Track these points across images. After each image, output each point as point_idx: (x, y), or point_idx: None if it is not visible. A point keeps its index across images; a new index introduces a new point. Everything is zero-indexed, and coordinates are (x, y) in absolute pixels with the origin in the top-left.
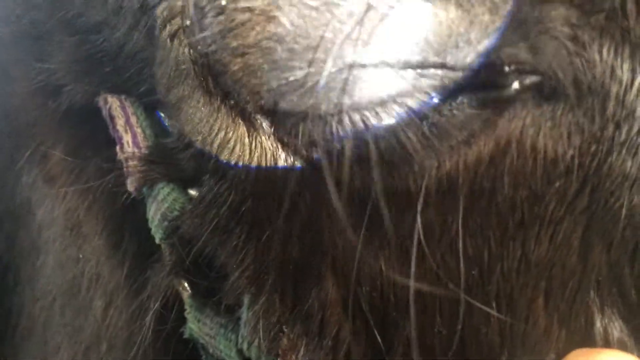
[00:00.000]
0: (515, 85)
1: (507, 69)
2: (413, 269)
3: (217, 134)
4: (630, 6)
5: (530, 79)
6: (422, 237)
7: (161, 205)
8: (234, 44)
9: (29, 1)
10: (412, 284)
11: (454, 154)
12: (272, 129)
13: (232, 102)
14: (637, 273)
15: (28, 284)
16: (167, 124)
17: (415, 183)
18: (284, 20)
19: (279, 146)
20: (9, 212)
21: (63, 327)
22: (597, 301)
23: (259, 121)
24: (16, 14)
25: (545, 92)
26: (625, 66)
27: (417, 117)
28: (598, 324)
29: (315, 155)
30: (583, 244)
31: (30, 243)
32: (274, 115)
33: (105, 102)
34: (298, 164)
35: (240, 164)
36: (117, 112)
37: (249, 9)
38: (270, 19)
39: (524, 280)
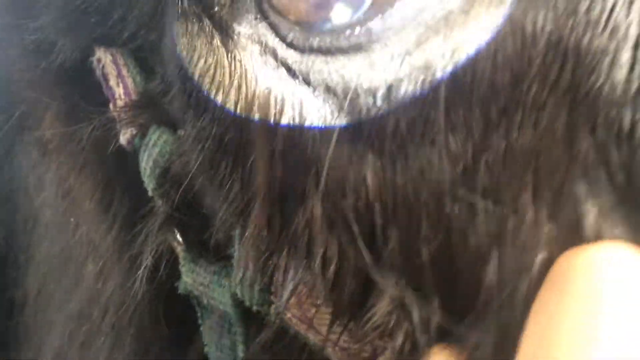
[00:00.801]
0: None
1: None
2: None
3: (196, 64)
4: None
5: None
6: (405, 134)
7: (152, 151)
8: None
9: None
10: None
11: (432, 34)
12: (249, 31)
13: (207, 18)
14: (624, 155)
15: (30, 273)
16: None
17: (396, 72)
18: None
19: (259, 59)
20: (7, 202)
21: (58, 297)
22: (586, 190)
23: (235, 31)
24: None
25: None
26: None
27: None
28: (588, 214)
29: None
30: (568, 129)
31: (29, 228)
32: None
33: (99, 61)
34: (276, 76)
35: (221, 91)
36: (110, 68)
37: None
38: None
39: (510, 172)
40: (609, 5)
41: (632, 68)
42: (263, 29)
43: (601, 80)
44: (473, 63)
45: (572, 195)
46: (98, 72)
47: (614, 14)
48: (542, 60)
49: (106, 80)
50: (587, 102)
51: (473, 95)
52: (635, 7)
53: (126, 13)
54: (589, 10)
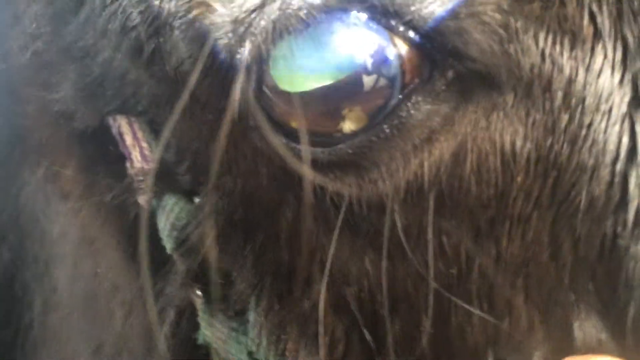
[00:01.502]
0: (450, 73)
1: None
2: (384, 267)
3: (205, 145)
4: None
5: (464, 65)
6: (402, 237)
7: (169, 215)
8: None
9: (32, 32)
10: (384, 285)
11: (418, 152)
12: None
13: (209, 113)
14: (607, 268)
15: (40, 296)
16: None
17: (384, 185)
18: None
19: (258, 156)
20: (13, 224)
21: (81, 336)
22: (574, 298)
23: (237, 128)
24: (20, 46)
25: (487, 81)
26: (566, 54)
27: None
28: (576, 322)
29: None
30: (552, 241)
31: (44, 257)
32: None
33: (115, 120)
34: (277, 172)
35: (229, 174)
36: (126, 129)
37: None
38: None
39: (502, 278)
40: (586, 121)
41: (611, 183)
42: (260, 136)
43: (580, 197)
44: (458, 178)
45: (561, 302)
46: (114, 130)
47: (592, 130)
48: (524, 178)
49: (122, 139)
50: (568, 217)
51: (461, 206)
52: (611, 120)
53: (137, 90)
54: (567, 126)
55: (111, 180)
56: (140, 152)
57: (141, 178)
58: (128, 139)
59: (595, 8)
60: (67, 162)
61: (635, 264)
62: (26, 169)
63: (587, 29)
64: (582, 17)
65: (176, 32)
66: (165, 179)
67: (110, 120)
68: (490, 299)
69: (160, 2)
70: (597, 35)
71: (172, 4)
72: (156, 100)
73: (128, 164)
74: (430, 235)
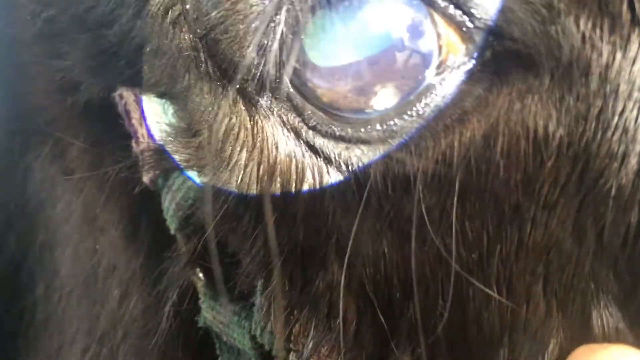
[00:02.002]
0: (488, 53)
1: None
2: (413, 251)
3: (221, 121)
4: None
5: (503, 44)
6: (426, 219)
7: (176, 195)
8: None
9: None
10: (413, 267)
11: (449, 133)
12: (273, 106)
13: (231, 84)
14: (630, 257)
15: (43, 281)
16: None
17: (412, 165)
18: None
19: (280, 130)
20: (20, 212)
21: (79, 316)
22: (593, 286)
23: (259, 102)
24: (31, 12)
25: (525, 63)
26: (605, 39)
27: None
28: (594, 310)
29: (316, 139)
30: (577, 228)
31: (48, 239)
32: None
33: (121, 97)
34: (298, 149)
35: (245, 149)
36: (133, 106)
37: None
38: None
39: (523, 265)
40: (619, 108)
41: (639, 172)
42: (286, 108)
43: (609, 185)
44: (487, 161)
45: (581, 290)
46: (120, 108)
47: (624, 117)
48: (554, 163)
49: (128, 117)
50: (595, 204)
51: (487, 190)
52: None
53: (153, 60)
54: (599, 113)
55: (116, 158)
56: (147, 130)
57: (147, 155)
58: (135, 116)
59: None
60: (74, 138)
61: None
62: (31, 154)
63: (626, 14)
64: (622, 2)
65: None
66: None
67: (117, 98)
68: (509, 285)
69: None
70: (634, 21)
71: None
72: (173, 71)
73: (133, 142)
74: (454, 219)
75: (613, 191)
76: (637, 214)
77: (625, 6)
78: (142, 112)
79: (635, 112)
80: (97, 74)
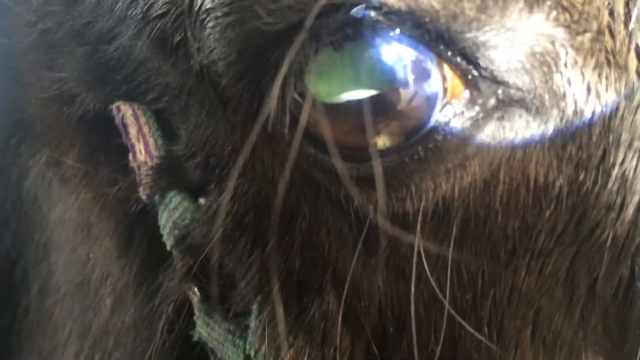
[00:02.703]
0: (493, 101)
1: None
2: (413, 289)
3: (221, 145)
4: (618, 28)
5: (508, 92)
6: (423, 259)
7: (172, 214)
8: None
9: (41, 9)
10: (412, 307)
11: (449, 177)
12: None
13: (231, 113)
14: (620, 309)
15: (37, 281)
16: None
17: (412, 205)
18: None
19: (278, 160)
20: (17, 212)
21: (72, 321)
22: (582, 336)
23: (260, 133)
24: (27, 22)
25: (529, 111)
26: (610, 89)
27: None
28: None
29: (315, 174)
30: (569, 277)
31: (43, 242)
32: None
33: (119, 110)
34: (296, 178)
35: (243, 176)
36: (130, 120)
37: None
38: None
39: (514, 309)
40: (619, 158)
41: (634, 223)
42: (287, 143)
43: (604, 235)
44: (486, 207)
45: (569, 339)
46: (117, 121)
47: (623, 167)
48: (552, 212)
49: (126, 131)
50: (589, 254)
51: (484, 235)
52: None
53: (151, 78)
54: (600, 163)
55: (112, 170)
56: (144, 146)
57: (144, 172)
58: (132, 131)
59: None
60: (69, 150)
61: None
62: (28, 156)
63: (632, 63)
64: (629, 51)
65: (209, 31)
66: (171, 174)
67: (114, 110)
68: (500, 328)
69: None
70: None
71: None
72: (173, 91)
73: (130, 156)
74: (450, 260)
75: (608, 242)
76: (630, 267)
77: (632, 55)
78: (139, 127)
79: (635, 162)
80: (94, 87)
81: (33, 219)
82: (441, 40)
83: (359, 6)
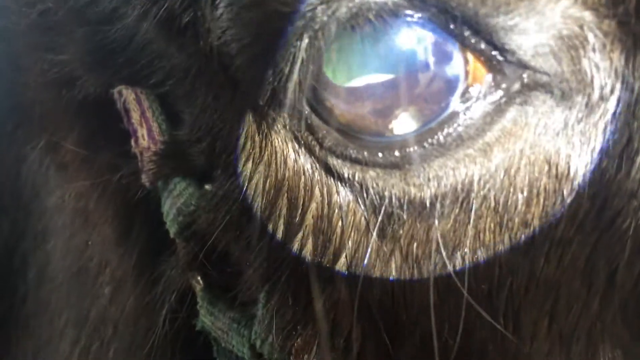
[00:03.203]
0: (517, 85)
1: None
2: (432, 276)
3: (228, 129)
4: None
5: (534, 77)
6: (440, 246)
7: (177, 200)
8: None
9: None
10: (431, 296)
11: (469, 163)
12: (285, 122)
13: (241, 97)
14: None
15: (35, 268)
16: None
17: (431, 191)
18: None
19: (291, 145)
20: (14, 199)
21: (69, 310)
22: (599, 328)
23: (270, 116)
24: (27, 2)
25: (555, 96)
26: (637, 74)
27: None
28: (598, 352)
29: (329, 158)
30: (588, 267)
31: (41, 229)
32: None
33: (120, 94)
34: (307, 164)
35: (251, 161)
36: (133, 105)
37: None
38: None
39: (531, 300)
40: None
41: None
42: (300, 126)
43: (626, 224)
44: (506, 193)
45: (586, 330)
46: (119, 105)
47: None
48: (573, 200)
49: (128, 115)
50: (610, 244)
51: (503, 222)
52: None
53: (155, 60)
54: (624, 149)
55: (112, 156)
56: (147, 131)
57: (147, 157)
58: (134, 116)
59: None
60: (68, 134)
61: None
62: (27, 143)
63: None
64: None
65: (222, 10)
66: (175, 159)
67: (116, 94)
68: (516, 319)
69: None
70: None
71: None
72: (178, 74)
73: (132, 141)
74: (467, 248)
75: (630, 231)
76: None
77: None
78: (142, 112)
79: None
80: (95, 69)
81: (31, 206)
82: (467, 26)
83: None
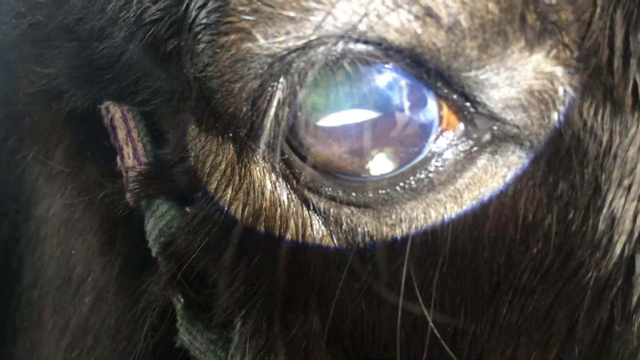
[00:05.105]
0: (487, 136)
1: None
2: (400, 312)
3: (208, 155)
4: (617, 63)
5: (504, 129)
6: (410, 286)
7: (159, 221)
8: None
9: (30, 1)
10: (398, 333)
11: (440, 208)
12: (264, 154)
13: (222, 127)
14: (596, 352)
15: (28, 272)
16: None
17: (402, 232)
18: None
19: (268, 176)
20: (15, 203)
21: (54, 316)
22: None
23: (249, 147)
24: (18, 13)
25: (523, 148)
26: (606, 127)
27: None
28: None
29: (305, 192)
30: (550, 317)
31: (31, 235)
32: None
33: (107, 111)
34: (284, 196)
35: (231, 187)
36: (119, 123)
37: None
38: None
39: (494, 345)
40: (609, 196)
41: (618, 265)
42: (279, 161)
43: (588, 276)
44: (474, 241)
45: None
46: (106, 121)
47: (612, 206)
48: (538, 250)
49: (114, 132)
50: (570, 295)
51: (470, 269)
52: (630, 197)
53: (142, 79)
54: (590, 201)
55: (98, 172)
56: (133, 150)
57: (131, 176)
58: (121, 134)
59: (639, 78)
60: (57, 145)
61: (625, 352)
62: (19, 152)
63: (628, 99)
64: (625, 88)
65: (203, 46)
66: (159, 180)
67: (103, 111)
68: None
69: (187, 7)
70: (635, 106)
71: (203, 13)
72: (163, 95)
73: (118, 159)
74: (434, 290)
75: (591, 283)
76: (609, 310)
77: (629, 91)
78: (128, 130)
79: (623, 200)
80: (82, 85)
81: (29, 212)
82: (440, 78)
83: (358, 41)
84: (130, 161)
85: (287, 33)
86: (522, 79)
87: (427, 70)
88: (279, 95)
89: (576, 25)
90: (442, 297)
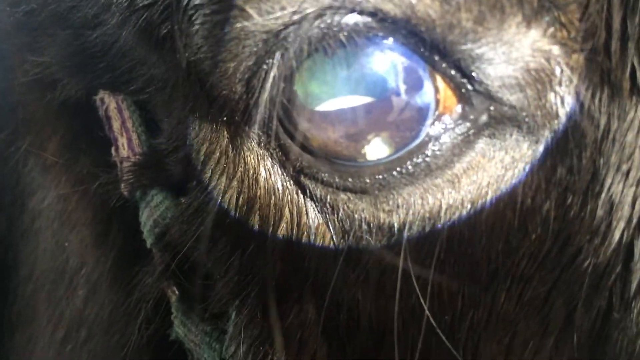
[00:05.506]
0: (484, 117)
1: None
2: (397, 305)
3: (202, 143)
4: (615, 46)
5: (501, 109)
6: (412, 275)
7: (154, 212)
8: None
9: None
10: (395, 323)
11: (437, 194)
12: (260, 140)
13: (216, 111)
14: (595, 340)
15: (23, 266)
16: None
17: (399, 219)
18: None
19: (263, 163)
20: (11, 195)
21: (48, 310)
22: None
23: (244, 133)
24: (13, 1)
25: (521, 130)
26: (603, 110)
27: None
28: None
29: (301, 178)
30: (547, 305)
31: (25, 228)
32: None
33: (102, 101)
34: (278, 184)
35: (225, 176)
36: (114, 113)
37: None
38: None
39: (491, 333)
40: (608, 182)
41: (616, 251)
42: (274, 145)
43: (586, 263)
44: (471, 227)
45: None
46: (101, 112)
47: (611, 191)
48: (537, 237)
49: (109, 123)
50: (568, 282)
51: (467, 256)
52: (629, 182)
53: (136, 67)
54: (589, 185)
55: (93, 162)
56: (127, 141)
57: (126, 167)
58: (115, 125)
59: (636, 62)
60: (51, 136)
61: (624, 339)
62: (13, 143)
63: (626, 83)
64: (623, 71)
65: (197, 27)
66: (153, 170)
67: (98, 101)
68: (475, 351)
69: None
70: (633, 90)
71: None
72: (157, 83)
73: (113, 150)
74: (431, 278)
75: (589, 270)
76: (607, 297)
77: (627, 75)
78: (123, 121)
79: (621, 186)
80: (76, 73)
81: (25, 205)
82: (436, 50)
83: (354, 12)
84: (124, 152)
85: (283, 8)
86: (519, 55)
87: (423, 41)
88: (274, 72)
89: (573, 6)
90: (439, 285)
